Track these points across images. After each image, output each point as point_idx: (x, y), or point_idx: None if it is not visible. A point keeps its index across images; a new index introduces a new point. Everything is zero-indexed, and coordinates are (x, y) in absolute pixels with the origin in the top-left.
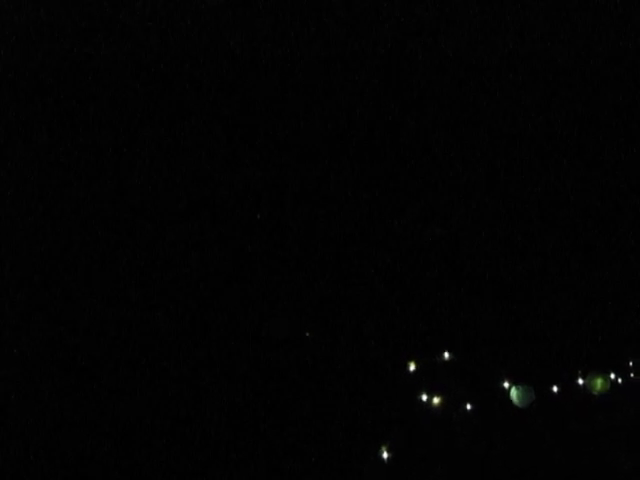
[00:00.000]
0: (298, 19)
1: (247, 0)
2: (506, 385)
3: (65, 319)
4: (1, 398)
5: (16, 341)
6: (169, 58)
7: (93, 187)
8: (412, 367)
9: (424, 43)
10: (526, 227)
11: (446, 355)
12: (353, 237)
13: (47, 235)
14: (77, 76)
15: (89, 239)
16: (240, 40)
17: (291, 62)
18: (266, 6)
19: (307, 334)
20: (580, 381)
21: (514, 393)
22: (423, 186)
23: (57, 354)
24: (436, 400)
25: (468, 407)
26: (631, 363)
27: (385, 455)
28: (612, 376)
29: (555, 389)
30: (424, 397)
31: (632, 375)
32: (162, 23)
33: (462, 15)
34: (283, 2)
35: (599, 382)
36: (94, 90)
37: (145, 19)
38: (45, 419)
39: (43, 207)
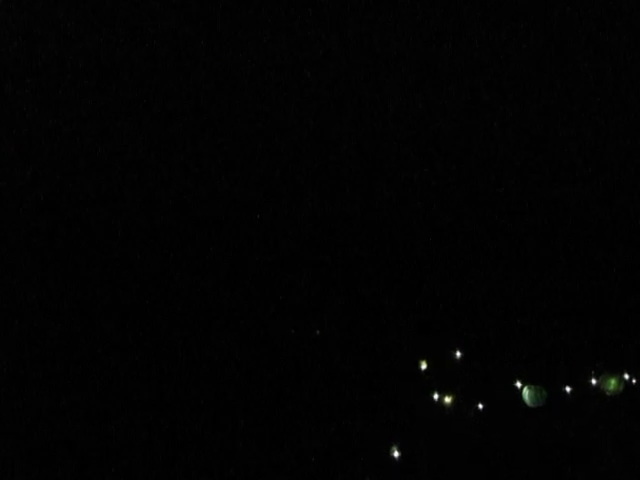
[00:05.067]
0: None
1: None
2: (518, 385)
3: (64, 318)
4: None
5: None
6: (167, 58)
7: (93, 186)
8: (424, 366)
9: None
10: (538, 228)
11: (458, 354)
12: (365, 236)
13: (45, 235)
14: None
15: (89, 238)
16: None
17: (289, 64)
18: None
19: (317, 332)
20: (593, 381)
21: (526, 393)
22: (430, 185)
23: (56, 352)
24: (448, 399)
25: (480, 407)
26: None
27: (396, 454)
28: (626, 376)
29: (568, 389)
30: (436, 396)
31: None
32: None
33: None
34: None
35: (612, 382)
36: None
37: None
38: (43, 419)
39: (41, 207)
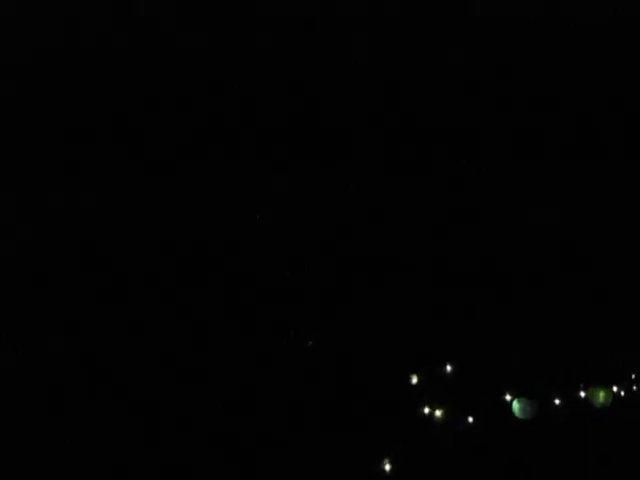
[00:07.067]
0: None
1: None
2: (508, 398)
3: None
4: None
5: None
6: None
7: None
8: (414, 380)
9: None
10: (528, 240)
11: (448, 368)
12: (358, 242)
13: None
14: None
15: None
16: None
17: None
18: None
19: (309, 343)
20: (582, 394)
21: (516, 406)
22: (427, 194)
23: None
24: (438, 413)
25: (470, 420)
26: (633, 376)
27: (387, 467)
28: (614, 389)
29: (557, 402)
30: (426, 410)
31: None
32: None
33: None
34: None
35: (601, 395)
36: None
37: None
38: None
39: (35, 208)
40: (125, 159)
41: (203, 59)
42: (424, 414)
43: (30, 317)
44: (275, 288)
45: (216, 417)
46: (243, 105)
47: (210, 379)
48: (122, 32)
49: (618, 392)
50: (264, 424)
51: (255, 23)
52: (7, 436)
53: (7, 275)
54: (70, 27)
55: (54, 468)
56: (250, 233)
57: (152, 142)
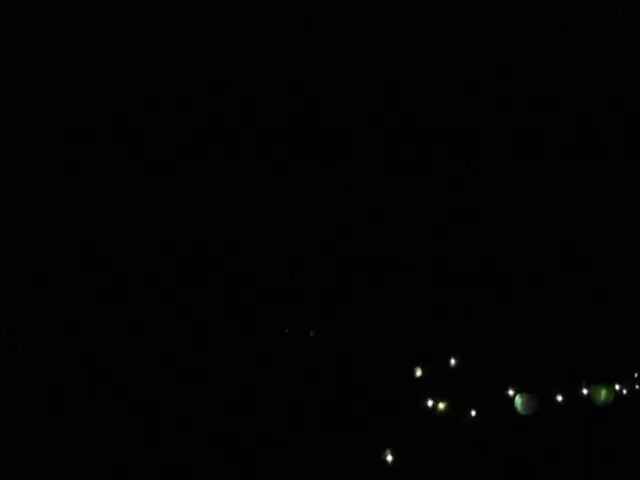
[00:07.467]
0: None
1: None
2: (511, 393)
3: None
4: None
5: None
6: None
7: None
8: (418, 373)
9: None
10: (532, 236)
11: (452, 361)
12: (359, 242)
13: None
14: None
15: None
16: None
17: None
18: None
19: (311, 333)
20: (584, 391)
21: (518, 401)
22: (427, 194)
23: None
24: (441, 406)
25: (472, 414)
26: (636, 374)
27: (389, 458)
28: (617, 387)
29: (559, 398)
30: (429, 403)
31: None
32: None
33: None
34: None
35: (603, 393)
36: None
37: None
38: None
39: (35, 208)
40: (125, 159)
41: (203, 59)
42: (427, 407)
43: (30, 317)
44: (275, 288)
45: (216, 417)
46: (243, 105)
47: (210, 379)
48: (122, 32)
49: (620, 390)
50: (264, 424)
51: (255, 23)
52: (7, 436)
53: (7, 275)
54: (70, 27)
55: (54, 468)
56: (250, 233)
57: (152, 142)
